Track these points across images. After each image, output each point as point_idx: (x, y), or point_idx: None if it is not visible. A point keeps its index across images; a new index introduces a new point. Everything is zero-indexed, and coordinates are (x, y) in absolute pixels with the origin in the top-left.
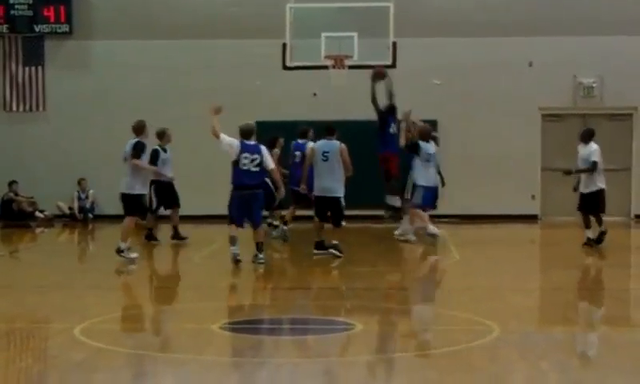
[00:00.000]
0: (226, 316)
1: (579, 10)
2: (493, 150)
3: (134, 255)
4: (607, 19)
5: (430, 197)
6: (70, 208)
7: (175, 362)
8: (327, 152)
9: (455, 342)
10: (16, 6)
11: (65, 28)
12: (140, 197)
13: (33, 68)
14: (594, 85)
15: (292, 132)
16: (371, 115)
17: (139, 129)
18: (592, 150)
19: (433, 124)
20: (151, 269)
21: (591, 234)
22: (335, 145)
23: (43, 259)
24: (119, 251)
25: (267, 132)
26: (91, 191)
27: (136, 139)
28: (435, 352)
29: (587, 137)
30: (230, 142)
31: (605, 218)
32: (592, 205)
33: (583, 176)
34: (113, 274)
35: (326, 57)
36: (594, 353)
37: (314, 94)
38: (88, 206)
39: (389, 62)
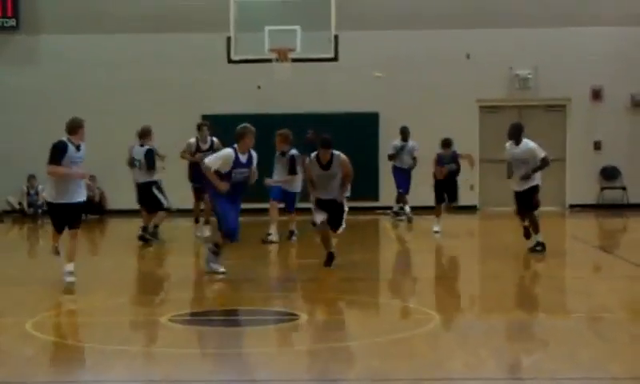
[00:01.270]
0: (175, 308)
1: (515, 3)
2: (432, 141)
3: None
4: (542, 12)
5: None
6: (20, 203)
7: (125, 354)
8: None
9: (397, 330)
10: None
11: (12, 22)
12: (56, 205)
13: None
14: (529, 76)
15: (235, 126)
16: (315, 108)
17: (71, 128)
18: (531, 148)
19: (374, 116)
20: (101, 263)
21: (541, 237)
22: None
23: None
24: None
25: (213, 125)
26: (40, 187)
27: (58, 140)
28: (377, 341)
29: (518, 134)
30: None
31: (540, 208)
32: (527, 202)
33: (517, 175)
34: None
35: (270, 50)
36: (531, 340)
37: (259, 87)
38: (38, 202)
39: (331, 55)
